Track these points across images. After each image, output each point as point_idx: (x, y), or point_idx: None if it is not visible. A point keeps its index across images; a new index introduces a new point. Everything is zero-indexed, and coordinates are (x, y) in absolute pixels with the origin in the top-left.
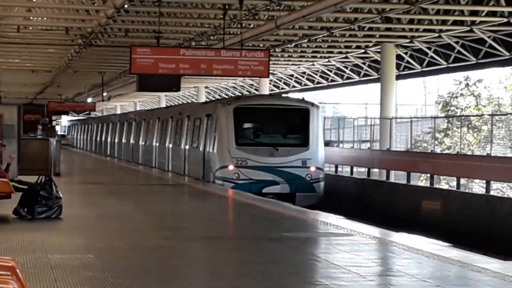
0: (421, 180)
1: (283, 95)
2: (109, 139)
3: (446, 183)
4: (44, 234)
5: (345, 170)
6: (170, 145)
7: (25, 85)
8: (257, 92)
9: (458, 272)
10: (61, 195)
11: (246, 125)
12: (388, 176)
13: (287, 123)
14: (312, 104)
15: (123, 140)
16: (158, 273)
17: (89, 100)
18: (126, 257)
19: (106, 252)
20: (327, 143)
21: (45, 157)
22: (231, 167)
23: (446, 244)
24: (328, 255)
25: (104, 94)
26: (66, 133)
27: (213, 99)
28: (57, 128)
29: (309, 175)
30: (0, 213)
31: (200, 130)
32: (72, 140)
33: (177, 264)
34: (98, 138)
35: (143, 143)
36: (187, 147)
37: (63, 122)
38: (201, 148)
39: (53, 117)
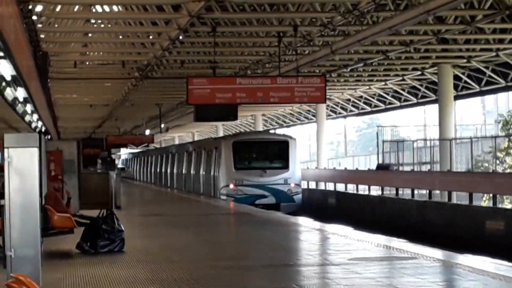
0: (483, 201)
1: (271, 131)
2: (161, 170)
3: (509, 202)
4: (107, 268)
5: (405, 193)
6: (192, 172)
7: (83, 119)
8: (314, 118)
9: None
10: (123, 228)
11: (242, 155)
12: (450, 198)
13: (272, 152)
14: (291, 137)
15: (169, 170)
16: None
17: (147, 132)
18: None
19: (169, 284)
20: (386, 167)
21: (106, 191)
22: (231, 186)
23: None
24: (392, 279)
25: (162, 125)
26: (125, 166)
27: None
28: (116, 161)
29: (289, 190)
30: (64, 248)
31: (210, 159)
32: (131, 173)
33: None
34: (153, 170)
35: (178, 171)
36: (203, 173)
37: (122, 155)
38: (211, 173)
39: (112, 151)
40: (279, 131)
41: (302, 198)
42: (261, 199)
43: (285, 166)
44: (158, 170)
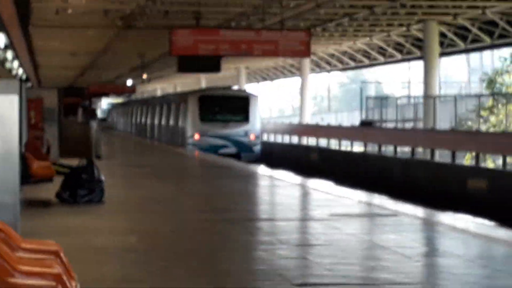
0: (466, 159)
1: (233, 87)
2: (139, 121)
3: (492, 161)
4: (86, 217)
5: (388, 150)
6: (164, 123)
7: (64, 68)
8: (298, 72)
9: (506, 252)
10: (103, 178)
11: (207, 108)
12: (432, 156)
13: (234, 107)
14: (252, 94)
15: (146, 121)
16: (200, 256)
17: (129, 82)
18: (168, 239)
19: (148, 235)
20: (369, 123)
21: (86, 140)
22: (197, 136)
23: (493, 223)
24: (372, 236)
25: (144, 76)
26: (106, 116)
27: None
28: (97, 111)
29: (249, 141)
30: (43, 196)
31: (176, 112)
32: (112, 123)
33: (219, 248)
34: (132, 120)
35: (153, 123)
36: (173, 124)
37: (103, 105)
38: (180, 124)
39: (93, 100)
40: (262, 84)
41: (261, 149)
42: (223, 148)
43: (246, 119)
44: (136, 121)
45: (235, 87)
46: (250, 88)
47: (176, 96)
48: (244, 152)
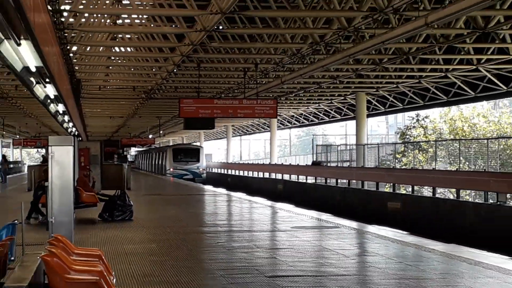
0: (386, 188)
1: (192, 143)
2: (151, 162)
3: (404, 189)
4: (120, 231)
5: (332, 182)
6: (158, 163)
7: (105, 127)
8: (268, 128)
9: (415, 252)
10: (132, 203)
11: (176, 155)
12: (362, 185)
13: (191, 154)
14: (201, 147)
15: (153, 162)
16: (197, 257)
17: (150, 136)
18: (178, 246)
19: (164, 243)
20: (318, 163)
21: (120, 177)
22: (171, 169)
23: (405, 232)
24: (321, 242)
25: (161, 132)
26: (134, 160)
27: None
28: (128, 156)
29: (199, 171)
30: (90, 217)
31: (162, 155)
32: (138, 165)
33: (212, 250)
34: (148, 162)
35: (156, 163)
36: (157, 162)
37: (132, 152)
38: (163, 163)
39: (125, 149)
40: (244, 137)
41: (206, 176)
42: (185, 175)
43: (197, 160)
44: (150, 162)
45: (194, 143)
46: (203, 144)
47: (163, 148)
48: (197, 177)
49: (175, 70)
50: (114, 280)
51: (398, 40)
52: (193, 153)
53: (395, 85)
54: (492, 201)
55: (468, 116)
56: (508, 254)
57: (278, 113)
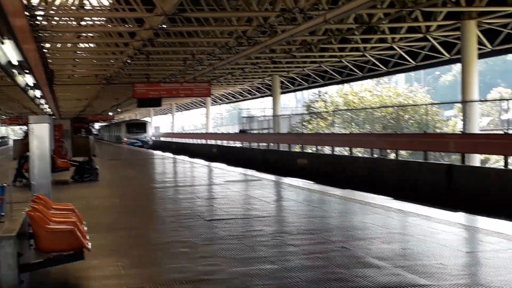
0: (296, 148)
1: (143, 118)
2: (111, 134)
3: (310, 149)
4: (89, 189)
5: (254, 145)
6: (116, 134)
7: (74, 107)
8: (204, 105)
9: (319, 197)
10: (97, 167)
11: (129, 128)
12: (278, 147)
13: (141, 126)
14: (148, 121)
15: (112, 134)
16: (150, 208)
17: (110, 113)
18: (135, 199)
19: (124, 197)
20: (244, 131)
21: (87, 146)
22: (125, 139)
23: (312, 182)
24: (247, 191)
25: (118, 110)
26: (97, 133)
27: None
28: (93, 130)
29: (146, 140)
30: (64, 179)
31: (118, 129)
32: (101, 137)
33: (162, 202)
34: (109, 134)
35: (114, 134)
36: (115, 134)
37: (96, 126)
38: (119, 135)
39: (91, 124)
40: (185, 112)
41: (154, 143)
42: (136, 143)
43: (145, 131)
44: (110, 134)
45: (144, 118)
46: (153, 119)
47: (120, 123)
48: (145, 144)
49: (129, 61)
50: (86, 228)
51: (303, 34)
52: (142, 126)
53: (301, 69)
54: (376, 156)
55: (358, 91)
56: (389, 195)
57: (212, 93)
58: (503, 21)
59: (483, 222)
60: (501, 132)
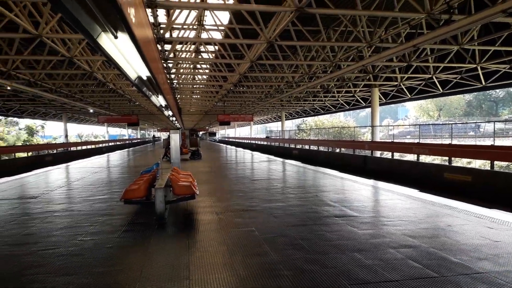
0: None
1: (216, 130)
2: (205, 138)
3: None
4: (197, 163)
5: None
6: (206, 138)
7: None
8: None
9: (303, 170)
10: (201, 153)
11: (210, 135)
12: (284, 145)
13: (213, 134)
14: (216, 131)
15: (206, 138)
16: (225, 172)
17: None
18: (220, 170)
19: (214, 167)
20: (268, 137)
21: (196, 143)
22: (208, 139)
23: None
24: (270, 167)
25: (210, 125)
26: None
27: None
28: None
29: (215, 139)
30: (185, 158)
31: (207, 135)
32: (202, 138)
33: (233, 170)
34: (205, 137)
35: (205, 138)
36: (207, 137)
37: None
38: (207, 137)
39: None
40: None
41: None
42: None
43: (215, 136)
44: (205, 137)
45: (215, 130)
46: (222, 130)
47: (207, 132)
48: (214, 141)
49: (215, 103)
50: (195, 183)
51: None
52: (213, 134)
53: (302, 107)
54: (330, 150)
55: (322, 119)
56: (336, 170)
57: (254, 120)
58: (391, 88)
59: (382, 184)
60: (389, 140)
